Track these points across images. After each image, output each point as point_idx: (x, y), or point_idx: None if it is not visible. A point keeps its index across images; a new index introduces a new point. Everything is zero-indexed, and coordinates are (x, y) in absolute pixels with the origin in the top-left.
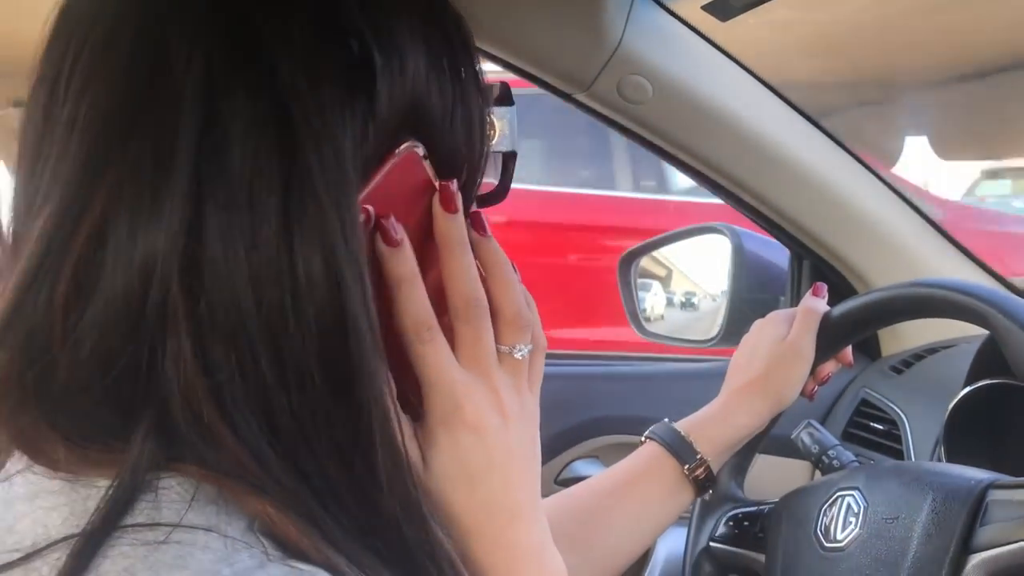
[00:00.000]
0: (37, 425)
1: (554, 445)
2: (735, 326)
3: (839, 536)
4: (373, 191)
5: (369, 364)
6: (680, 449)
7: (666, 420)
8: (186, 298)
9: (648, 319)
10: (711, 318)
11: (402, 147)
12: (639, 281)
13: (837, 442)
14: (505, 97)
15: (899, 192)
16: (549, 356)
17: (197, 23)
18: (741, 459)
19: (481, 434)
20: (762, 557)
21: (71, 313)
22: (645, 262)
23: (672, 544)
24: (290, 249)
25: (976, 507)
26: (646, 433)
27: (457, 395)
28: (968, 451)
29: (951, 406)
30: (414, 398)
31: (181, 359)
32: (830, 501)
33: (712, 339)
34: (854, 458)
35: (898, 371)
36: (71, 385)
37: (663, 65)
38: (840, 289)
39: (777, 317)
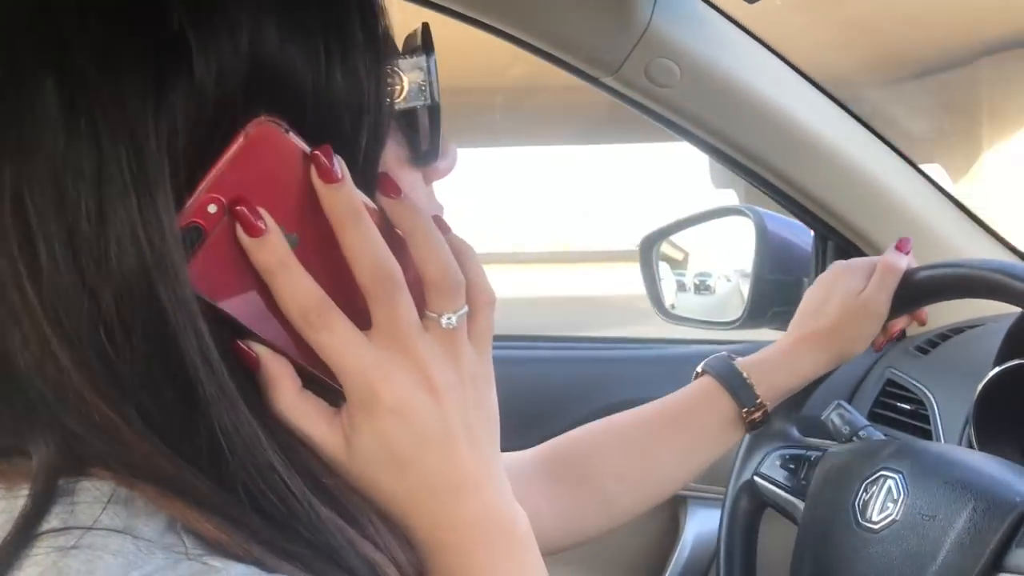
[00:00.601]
0: None
1: None
2: (758, 308)
3: (875, 517)
4: (219, 178)
5: (198, 370)
6: (739, 389)
7: (724, 353)
8: (31, 304)
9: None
10: (727, 300)
11: (249, 125)
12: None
13: (867, 423)
14: (423, 45)
15: (925, 173)
16: (569, 340)
17: None
18: (798, 398)
19: (405, 415)
20: (801, 504)
21: None
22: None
23: (702, 523)
24: (108, 253)
25: (1016, 525)
26: (701, 365)
27: (370, 379)
28: (998, 432)
29: (980, 387)
30: (337, 385)
31: (47, 361)
32: (873, 477)
33: (736, 321)
34: (884, 438)
35: (924, 351)
36: None
37: (691, 48)
38: None
39: (855, 267)
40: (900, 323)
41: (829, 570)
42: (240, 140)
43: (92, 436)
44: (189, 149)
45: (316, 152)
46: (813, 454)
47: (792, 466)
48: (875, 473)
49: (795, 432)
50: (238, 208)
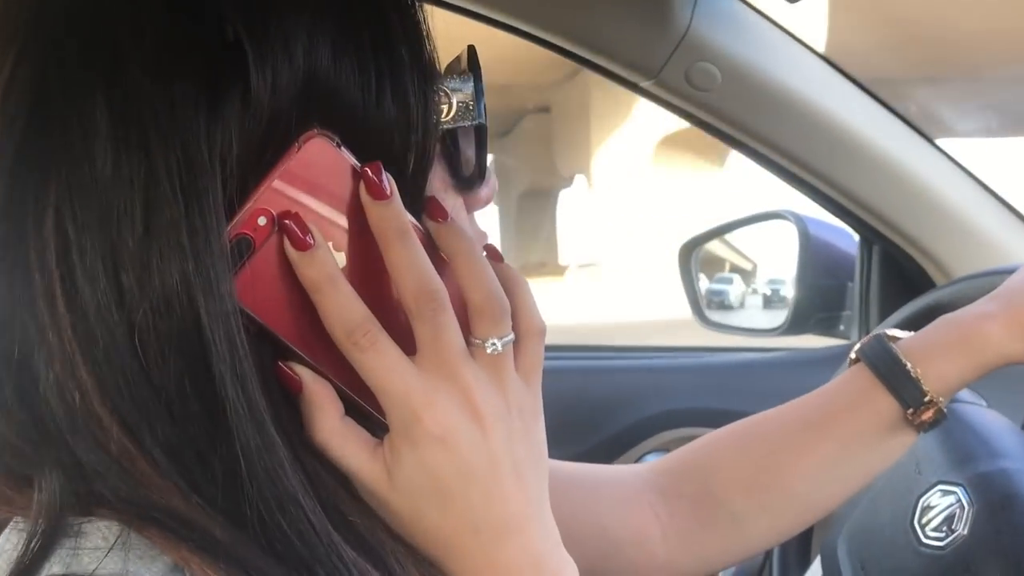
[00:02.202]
0: None
1: (626, 439)
2: (802, 314)
3: (928, 533)
4: (271, 190)
5: (229, 390)
6: (901, 384)
7: (882, 333)
8: (61, 322)
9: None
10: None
11: (302, 137)
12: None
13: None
14: (470, 66)
15: (973, 175)
16: (608, 349)
17: (22, 34)
18: None
19: (450, 443)
20: None
21: None
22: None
23: None
24: (150, 265)
25: None
26: (855, 349)
27: (414, 403)
28: None
29: None
30: (377, 411)
31: (71, 385)
32: (943, 490)
33: (779, 328)
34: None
35: None
36: None
37: (731, 50)
38: (912, 274)
39: None
40: None
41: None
42: (293, 153)
43: (103, 467)
44: (241, 161)
45: (366, 168)
46: None
47: None
48: (949, 487)
49: None
50: (287, 222)
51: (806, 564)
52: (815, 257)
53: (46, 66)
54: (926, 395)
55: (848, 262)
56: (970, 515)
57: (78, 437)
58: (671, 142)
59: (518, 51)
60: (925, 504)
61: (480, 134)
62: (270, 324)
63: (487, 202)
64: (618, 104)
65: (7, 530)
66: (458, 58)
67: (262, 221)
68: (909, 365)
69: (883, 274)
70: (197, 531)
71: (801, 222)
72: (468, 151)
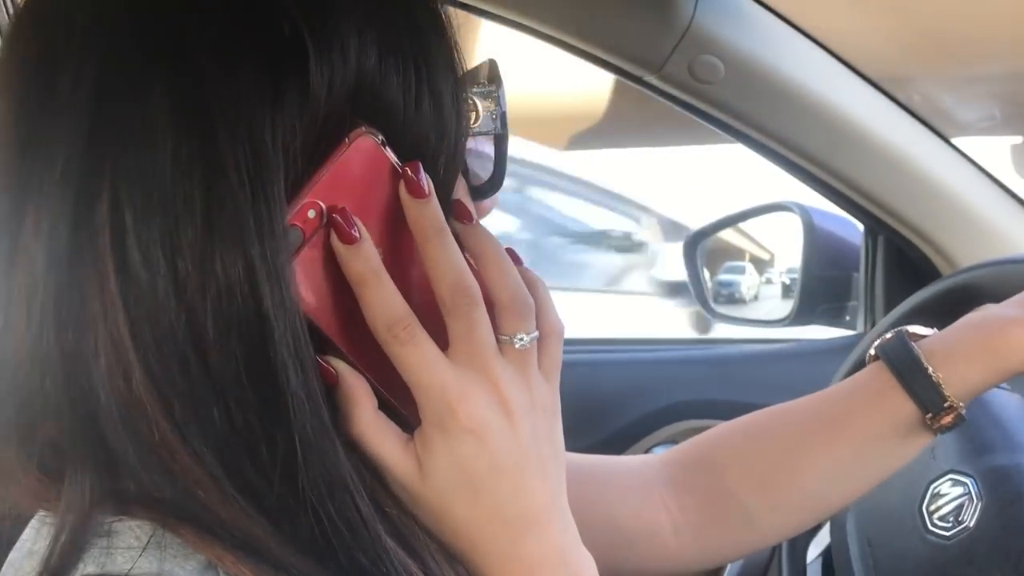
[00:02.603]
0: (10, 454)
1: (635, 431)
2: (808, 305)
3: (935, 522)
4: (323, 184)
5: (289, 374)
6: (920, 387)
7: (904, 331)
8: (113, 308)
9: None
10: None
11: (352, 134)
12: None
13: None
14: (492, 77)
15: (979, 164)
16: (621, 343)
17: (83, 28)
18: None
19: (482, 436)
20: None
21: None
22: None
23: None
24: (212, 252)
25: None
26: (875, 346)
27: (449, 396)
28: None
29: None
30: (407, 404)
31: (120, 374)
32: (954, 480)
33: (785, 319)
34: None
35: None
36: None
37: (735, 43)
38: (917, 263)
39: None
40: None
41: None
42: (344, 148)
43: (140, 460)
44: (301, 152)
45: (406, 167)
46: None
47: None
48: (959, 476)
49: None
50: (335, 216)
51: (813, 532)
52: (820, 248)
53: (109, 58)
54: (946, 400)
55: (853, 252)
56: (978, 509)
57: (119, 427)
58: None
59: None
60: (935, 491)
61: (501, 143)
62: (313, 316)
63: (490, 211)
64: None
65: (33, 528)
66: (476, 69)
67: (312, 214)
68: (931, 369)
69: (888, 264)
70: (231, 529)
71: (806, 213)
72: (487, 159)
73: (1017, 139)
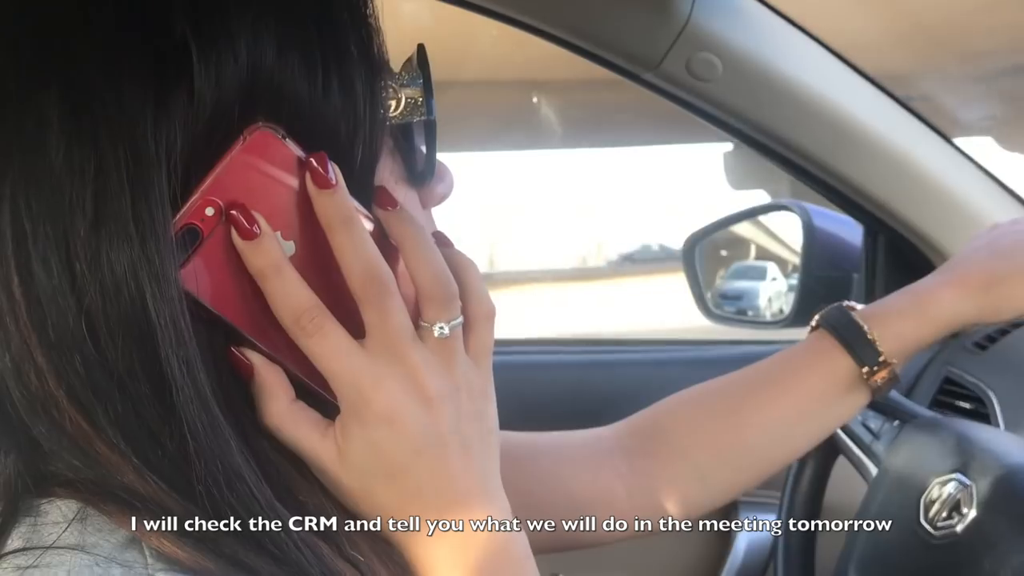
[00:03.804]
0: None
1: None
2: (807, 305)
3: (937, 524)
4: (216, 182)
5: (175, 373)
6: (858, 344)
7: (843, 303)
8: (17, 308)
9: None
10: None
11: (247, 130)
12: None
13: (936, 415)
14: (420, 63)
15: (979, 164)
16: (610, 343)
17: None
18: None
19: (397, 421)
20: (874, 469)
21: None
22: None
23: (754, 534)
24: (101, 253)
25: None
26: (816, 318)
27: (362, 385)
28: None
29: None
30: (328, 393)
31: (28, 369)
32: (945, 479)
33: (782, 320)
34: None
35: (982, 347)
36: None
37: (732, 40)
38: (917, 264)
39: None
40: None
41: (878, 559)
42: (237, 145)
43: (61, 446)
44: (187, 153)
45: (311, 158)
46: (896, 422)
47: (872, 426)
48: (949, 476)
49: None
50: (233, 212)
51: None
52: (820, 248)
53: (1, 67)
54: (881, 355)
55: (853, 253)
56: (974, 492)
57: (36, 419)
58: None
59: None
60: (927, 501)
61: (430, 130)
62: (220, 311)
63: (443, 198)
64: None
65: None
66: (411, 57)
67: (210, 212)
68: (866, 327)
69: (888, 264)
70: (152, 505)
71: (806, 213)
72: (421, 147)
73: (728, 146)
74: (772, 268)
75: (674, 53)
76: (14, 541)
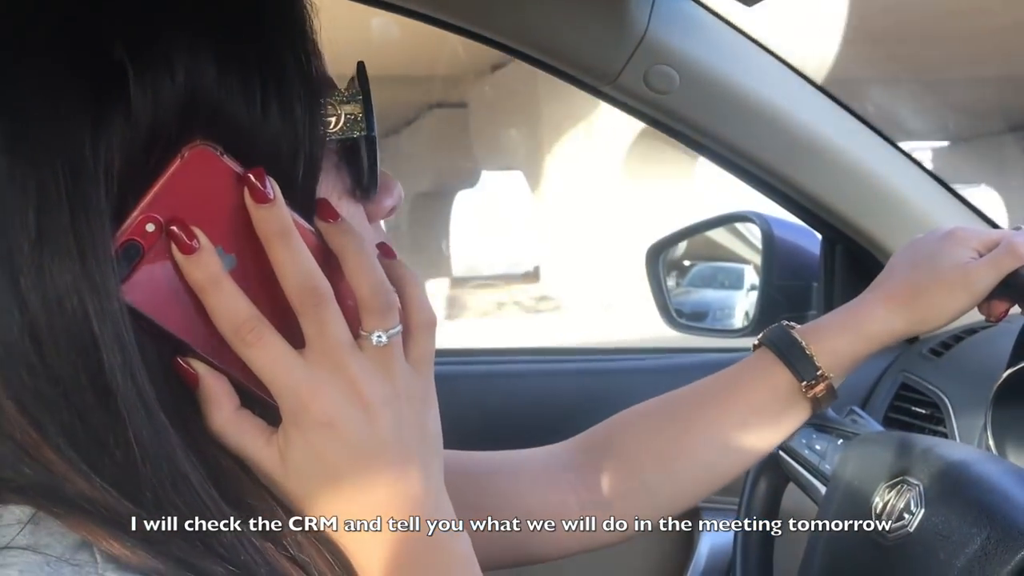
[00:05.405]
0: None
1: None
2: (767, 315)
3: (890, 526)
4: (155, 198)
5: (119, 383)
6: (796, 359)
7: (783, 322)
8: None
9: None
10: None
11: (185, 148)
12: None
13: (882, 429)
14: (359, 81)
15: (934, 175)
16: (574, 352)
17: None
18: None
19: (336, 427)
20: (823, 489)
21: None
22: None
23: (718, 534)
24: (44, 267)
25: None
26: (759, 337)
27: (301, 394)
28: (1017, 435)
29: (995, 388)
30: (272, 400)
31: None
32: (894, 482)
33: (745, 328)
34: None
35: (937, 353)
36: None
37: (689, 53)
38: (875, 273)
39: (966, 237)
40: (1004, 305)
41: (837, 568)
42: (176, 163)
43: (11, 455)
44: (126, 171)
45: (248, 174)
46: (840, 440)
47: (818, 447)
48: (897, 478)
49: (828, 411)
50: (172, 227)
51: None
52: (780, 257)
53: None
54: (819, 369)
55: (813, 262)
56: (921, 492)
57: None
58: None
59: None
60: (877, 506)
61: (370, 146)
62: (164, 323)
63: (390, 212)
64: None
65: None
66: (353, 76)
67: (150, 227)
68: (804, 343)
69: (846, 274)
70: (102, 510)
71: (766, 223)
72: (363, 161)
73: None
74: (750, 273)
75: (631, 66)
76: None
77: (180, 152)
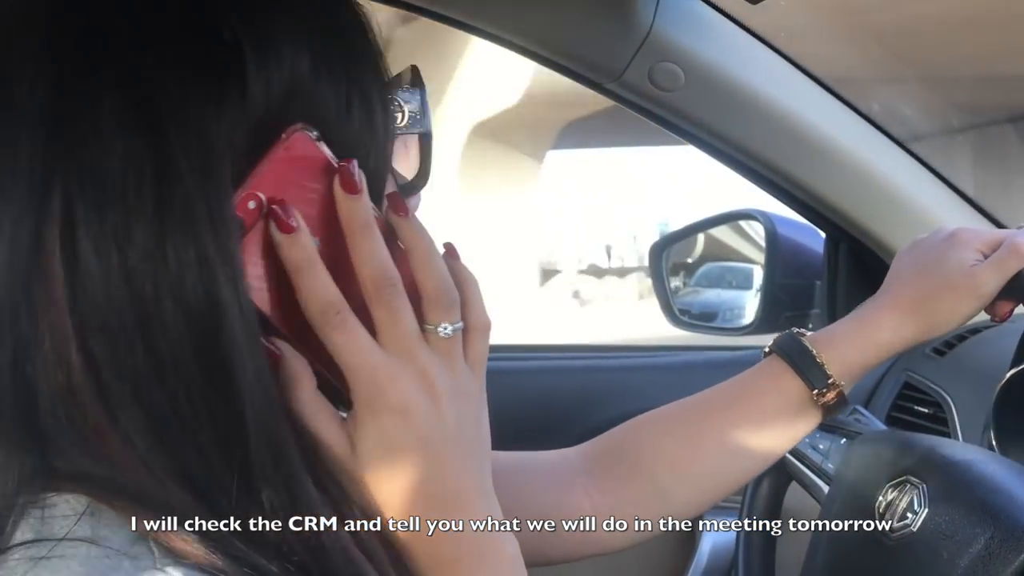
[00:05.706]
0: None
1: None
2: (770, 313)
3: (893, 525)
4: (262, 177)
5: (242, 353)
6: (807, 368)
7: (793, 330)
8: (58, 299)
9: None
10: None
11: (289, 130)
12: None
13: (884, 428)
14: (415, 80)
15: (939, 173)
16: (579, 349)
17: (38, 44)
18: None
19: (408, 415)
20: (826, 488)
21: None
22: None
23: (720, 532)
24: (163, 241)
25: None
26: (769, 344)
27: (379, 379)
28: (1020, 435)
29: (998, 388)
30: (342, 386)
31: (60, 360)
32: (897, 482)
33: (748, 327)
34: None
35: (941, 353)
36: None
37: (695, 51)
38: (878, 271)
39: (969, 238)
40: (1009, 305)
41: (840, 568)
42: (282, 144)
43: (72, 444)
44: (242, 147)
45: (342, 164)
46: (843, 440)
47: (821, 446)
48: (900, 478)
49: None
50: (274, 206)
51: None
52: (784, 256)
53: (61, 66)
54: (830, 378)
55: (817, 260)
56: (924, 491)
57: (52, 411)
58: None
59: None
60: (881, 506)
61: (426, 142)
62: (255, 301)
63: (416, 207)
64: None
65: None
66: (400, 74)
67: (252, 205)
68: (815, 351)
69: (850, 272)
70: (159, 504)
71: (769, 221)
72: (412, 157)
73: None
74: (759, 273)
75: (637, 63)
76: (24, 533)
77: (282, 134)
